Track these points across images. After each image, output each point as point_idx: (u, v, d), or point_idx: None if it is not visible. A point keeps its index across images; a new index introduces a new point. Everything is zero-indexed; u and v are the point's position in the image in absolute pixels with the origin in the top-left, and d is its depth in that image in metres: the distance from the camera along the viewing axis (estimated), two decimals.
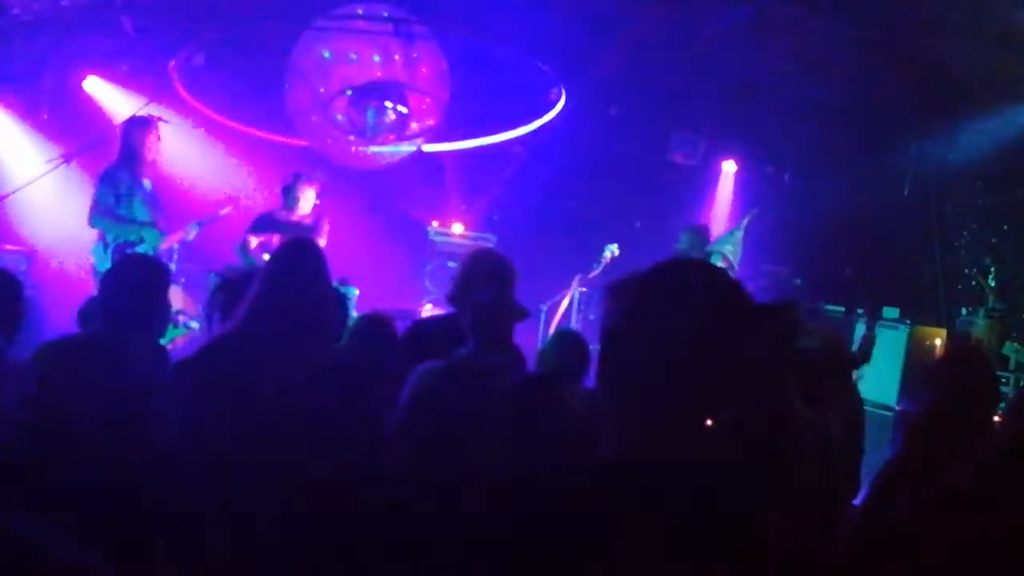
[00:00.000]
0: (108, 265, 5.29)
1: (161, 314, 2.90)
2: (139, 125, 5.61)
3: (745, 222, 7.01)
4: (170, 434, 2.34)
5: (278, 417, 2.22)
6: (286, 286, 2.57)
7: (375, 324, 3.50)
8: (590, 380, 3.76)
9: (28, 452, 2.37)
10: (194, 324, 5.26)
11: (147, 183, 5.58)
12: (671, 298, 1.32)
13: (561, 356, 3.52)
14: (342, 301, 3.46)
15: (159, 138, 5.62)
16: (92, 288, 5.31)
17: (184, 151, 7.79)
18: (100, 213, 5.42)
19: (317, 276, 2.67)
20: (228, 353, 2.45)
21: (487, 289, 3.21)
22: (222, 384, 2.35)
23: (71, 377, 2.51)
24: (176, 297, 5.57)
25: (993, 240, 7.13)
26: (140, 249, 5.40)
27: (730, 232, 7.09)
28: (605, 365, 1.36)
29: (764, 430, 1.66)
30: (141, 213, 5.51)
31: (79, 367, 2.55)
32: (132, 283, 2.80)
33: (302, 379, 2.31)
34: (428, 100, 7.33)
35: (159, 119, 5.72)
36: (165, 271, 2.98)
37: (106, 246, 5.41)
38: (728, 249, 6.70)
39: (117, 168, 5.49)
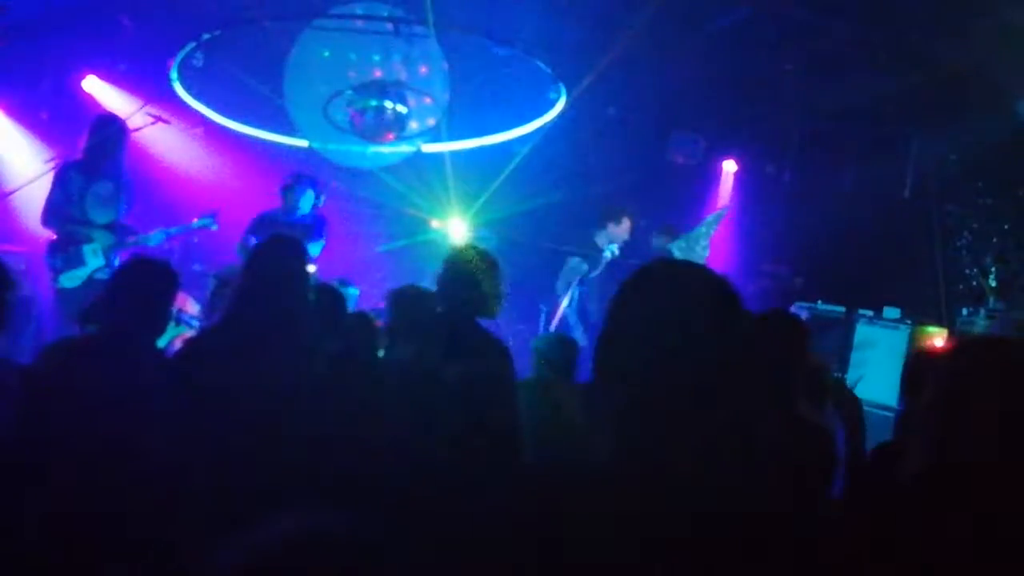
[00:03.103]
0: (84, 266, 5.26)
1: (164, 317, 2.87)
2: (101, 124, 5.45)
3: (711, 220, 7.07)
4: (167, 433, 2.35)
5: (255, 411, 2.24)
6: (263, 283, 2.62)
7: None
8: (583, 377, 3.80)
9: (32, 455, 2.36)
10: (195, 323, 5.24)
11: (106, 183, 5.39)
12: (668, 297, 1.32)
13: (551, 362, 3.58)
14: (338, 296, 3.46)
15: (123, 137, 5.46)
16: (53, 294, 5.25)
17: (182, 152, 7.80)
18: (51, 213, 5.28)
19: (292, 272, 2.71)
20: (210, 349, 2.48)
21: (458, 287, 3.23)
22: (203, 380, 2.37)
23: (74, 380, 2.50)
24: (176, 297, 5.52)
25: (994, 240, 7.12)
26: (87, 249, 5.26)
27: (691, 230, 7.16)
28: (601, 365, 1.36)
29: (766, 432, 1.66)
30: (95, 213, 5.34)
31: (82, 370, 2.53)
32: (140, 285, 2.76)
33: (276, 373, 2.34)
34: (428, 100, 7.33)
35: (128, 120, 5.59)
36: (173, 275, 2.91)
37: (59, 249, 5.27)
38: (680, 245, 6.76)
39: (69, 168, 5.33)
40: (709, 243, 7.07)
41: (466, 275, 3.24)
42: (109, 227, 5.41)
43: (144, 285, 2.77)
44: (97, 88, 7.52)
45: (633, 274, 1.38)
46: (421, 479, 2.11)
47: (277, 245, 2.88)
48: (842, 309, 7.02)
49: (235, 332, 2.53)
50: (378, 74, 7.08)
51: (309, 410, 2.27)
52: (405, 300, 3.43)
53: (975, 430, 1.64)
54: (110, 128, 5.44)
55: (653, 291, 1.34)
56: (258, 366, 2.40)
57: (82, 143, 5.42)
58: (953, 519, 1.59)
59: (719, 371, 1.27)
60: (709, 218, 7.20)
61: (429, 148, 7.74)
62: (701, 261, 6.72)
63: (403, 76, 7.03)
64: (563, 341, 3.93)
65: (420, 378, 2.13)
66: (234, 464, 2.20)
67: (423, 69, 7.25)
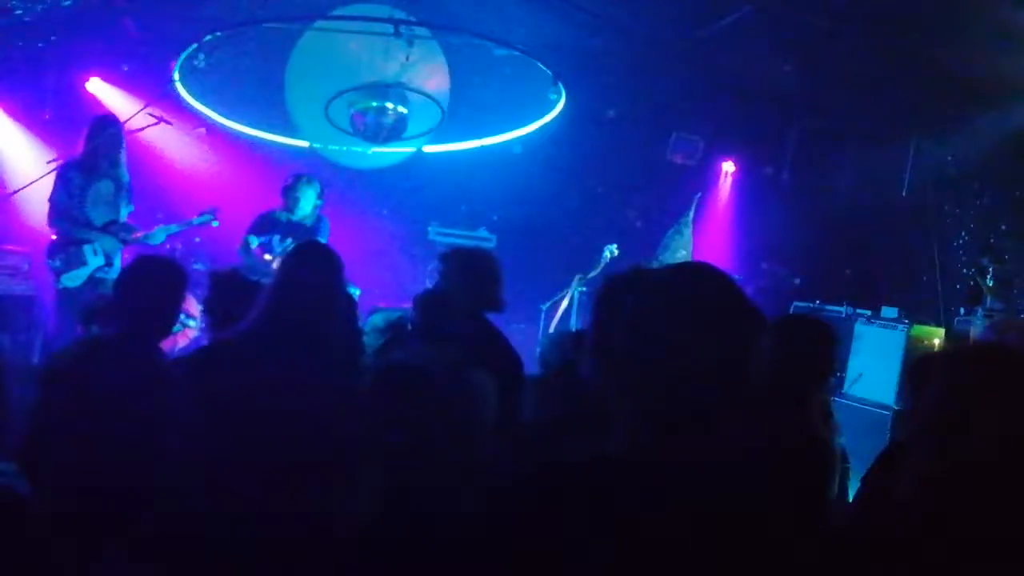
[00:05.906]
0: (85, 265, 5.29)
1: (173, 317, 2.85)
2: (98, 125, 5.48)
3: (684, 222, 7.12)
4: (182, 436, 2.34)
5: (271, 425, 2.21)
6: (295, 294, 2.51)
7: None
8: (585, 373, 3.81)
9: (45, 457, 2.37)
10: (191, 323, 5.25)
11: (106, 183, 5.43)
12: (676, 298, 1.33)
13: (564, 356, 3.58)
14: (351, 310, 3.45)
15: (120, 137, 5.48)
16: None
17: (184, 152, 7.82)
18: (57, 213, 5.31)
19: (328, 284, 2.59)
20: (229, 357, 2.41)
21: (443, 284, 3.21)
22: (219, 388, 2.32)
23: (87, 384, 2.48)
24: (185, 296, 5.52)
25: (991, 240, 7.13)
26: (87, 249, 5.30)
27: (677, 231, 7.19)
28: (610, 363, 1.37)
29: (769, 432, 1.68)
30: (95, 213, 5.39)
31: (94, 373, 2.52)
32: (149, 285, 2.73)
33: (298, 389, 2.29)
34: (428, 100, 7.34)
35: (126, 120, 5.60)
36: (182, 273, 2.88)
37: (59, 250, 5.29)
38: (681, 255, 6.83)
39: (68, 167, 5.36)
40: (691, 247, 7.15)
41: (464, 273, 3.23)
42: (109, 226, 5.43)
43: (153, 284, 2.73)
44: (100, 89, 7.54)
45: (654, 277, 1.39)
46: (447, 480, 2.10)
47: (311, 252, 2.72)
48: (841, 309, 7.04)
49: (263, 340, 2.42)
50: (378, 75, 7.09)
51: (333, 417, 2.23)
52: (432, 304, 3.40)
53: (977, 432, 1.65)
54: (109, 129, 5.46)
55: (669, 295, 1.35)
56: (284, 375, 2.31)
57: (81, 143, 5.45)
58: (954, 519, 1.61)
59: (728, 375, 1.29)
60: (682, 220, 7.26)
61: (430, 149, 7.76)
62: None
63: (404, 77, 7.04)
64: (565, 341, 3.92)
65: (447, 381, 2.11)
66: (248, 467, 2.19)
67: (423, 69, 7.26)
